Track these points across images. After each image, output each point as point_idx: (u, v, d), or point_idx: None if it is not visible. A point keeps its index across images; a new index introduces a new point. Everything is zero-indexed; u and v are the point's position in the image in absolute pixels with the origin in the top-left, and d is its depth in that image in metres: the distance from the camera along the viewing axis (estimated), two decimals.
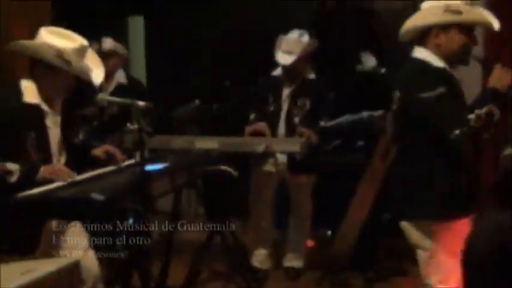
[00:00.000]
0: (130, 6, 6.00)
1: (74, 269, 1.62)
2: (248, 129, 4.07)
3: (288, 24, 4.29)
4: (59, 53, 2.69)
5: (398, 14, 2.93)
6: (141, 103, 2.59)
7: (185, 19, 5.81)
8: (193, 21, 5.76)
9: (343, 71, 4.84)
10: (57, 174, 2.63)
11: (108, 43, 4.21)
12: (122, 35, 5.97)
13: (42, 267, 1.52)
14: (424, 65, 2.60)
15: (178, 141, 3.71)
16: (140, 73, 5.98)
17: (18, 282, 1.34)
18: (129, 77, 4.49)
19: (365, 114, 4.07)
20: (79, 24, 3.00)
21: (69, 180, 2.61)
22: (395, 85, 2.71)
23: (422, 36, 2.65)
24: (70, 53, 2.72)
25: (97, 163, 3.00)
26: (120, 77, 4.37)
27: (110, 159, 2.96)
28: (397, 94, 2.67)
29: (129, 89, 4.18)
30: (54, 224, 2.82)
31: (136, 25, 6.21)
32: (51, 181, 2.64)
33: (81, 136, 3.55)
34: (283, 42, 4.04)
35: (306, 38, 4.06)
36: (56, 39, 2.74)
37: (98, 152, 2.97)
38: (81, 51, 2.79)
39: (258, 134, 4.01)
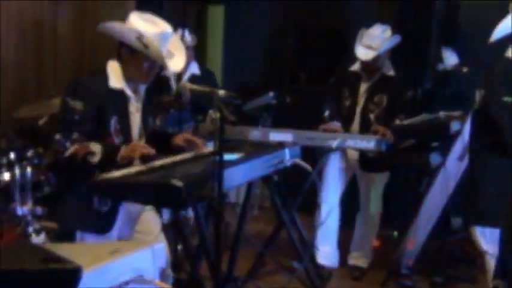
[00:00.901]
0: None
1: (159, 252, 1.63)
2: (322, 127, 4.03)
3: (371, 17, 4.21)
4: (139, 36, 2.74)
5: (485, 11, 2.80)
6: (221, 92, 2.58)
7: (264, 11, 5.81)
8: (271, 13, 5.76)
9: (423, 68, 4.71)
10: (137, 150, 2.68)
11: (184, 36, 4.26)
12: (201, 23, 6.06)
13: (126, 248, 1.54)
14: None
15: (253, 133, 3.71)
16: (217, 62, 6.05)
17: (107, 260, 1.36)
18: (202, 68, 4.56)
19: (442, 114, 3.95)
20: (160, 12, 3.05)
21: (149, 158, 2.65)
22: (480, 83, 2.61)
23: None
24: (150, 37, 2.76)
25: (173, 150, 3.04)
26: (194, 68, 4.44)
27: (189, 149, 2.98)
28: (481, 93, 2.57)
29: (202, 80, 4.22)
30: (130, 207, 2.88)
31: (216, 14, 6.26)
32: (130, 163, 2.69)
33: (158, 123, 3.61)
34: (365, 36, 3.96)
35: (388, 33, 3.97)
36: (140, 23, 2.79)
37: (179, 140, 3.01)
38: (163, 37, 2.82)
39: (332, 132, 3.96)
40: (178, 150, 2.99)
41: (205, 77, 4.43)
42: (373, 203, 4.21)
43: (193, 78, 4.29)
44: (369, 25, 4.02)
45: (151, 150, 2.69)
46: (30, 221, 3.19)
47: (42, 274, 1.04)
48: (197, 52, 4.78)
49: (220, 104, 2.47)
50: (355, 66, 4.13)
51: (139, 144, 2.76)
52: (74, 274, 1.05)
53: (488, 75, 2.62)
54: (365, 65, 4.02)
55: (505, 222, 2.38)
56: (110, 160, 2.67)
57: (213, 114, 2.45)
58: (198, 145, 3.00)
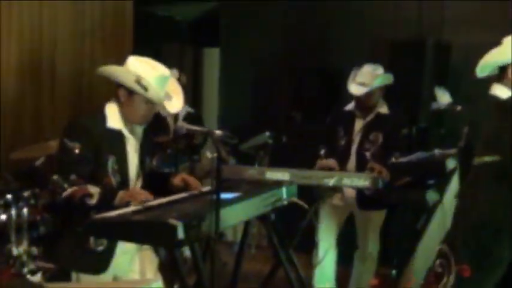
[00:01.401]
0: (207, 38, 6.16)
1: None
2: (319, 164, 4.05)
3: (363, 58, 4.28)
4: (138, 79, 2.78)
5: (476, 50, 2.85)
6: (218, 132, 2.61)
7: (258, 52, 5.90)
8: (266, 54, 5.85)
9: (417, 107, 4.76)
10: (135, 197, 2.69)
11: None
12: (197, 65, 6.15)
13: (122, 287, 1.53)
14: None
15: (249, 172, 3.73)
16: (213, 102, 6.11)
17: None
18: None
19: (437, 152, 3.97)
20: (158, 53, 3.11)
21: (147, 202, 2.66)
22: (465, 121, 2.65)
23: (502, 72, 2.58)
24: (149, 79, 2.80)
25: (171, 190, 3.05)
26: (187, 107, 4.52)
27: (186, 188, 3.00)
28: (465, 130, 2.60)
29: (196, 117, 4.27)
30: (126, 246, 2.87)
31: (212, 56, 6.36)
32: (127, 205, 2.70)
33: (154, 163, 3.62)
34: (358, 74, 4.03)
35: (380, 71, 4.04)
36: (139, 66, 2.84)
37: (177, 180, 3.02)
38: (161, 80, 2.87)
39: (327, 169, 3.98)
40: (176, 190, 3.00)
41: (199, 114, 4.50)
42: (371, 242, 4.20)
43: (189, 116, 4.33)
44: (361, 65, 4.09)
45: (149, 197, 2.70)
46: (25, 261, 3.18)
47: None
48: (194, 93, 4.85)
49: (217, 143, 2.49)
50: (350, 106, 4.18)
51: (138, 191, 2.77)
52: None
53: (472, 112, 2.66)
54: (359, 102, 4.07)
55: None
56: (107, 202, 2.67)
57: (209, 153, 2.48)
58: (194, 187, 3.01)
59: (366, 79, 3.98)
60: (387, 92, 4.12)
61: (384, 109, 4.12)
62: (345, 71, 4.26)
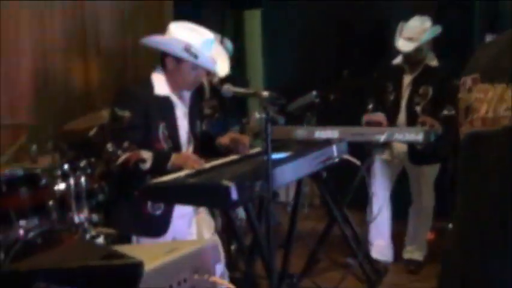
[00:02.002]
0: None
1: (214, 250, 1.65)
2: (365, 118, 4.00)
3: (410, 10, 4.16)
4: (187, 47, 2.79)
5: None
6: (265, 93, 2.60)
7: (303, 10, 5.81)
8: (310, 11, 5.75)
9: (467, 57, 4.62)
10: (187, 162, 2.72)
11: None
12: (239, 29, 6.10)
13: (182, 246, 1.57)
14: None
15: (298, 132, 3.72)
16: (257, 66, 6.08)
17: (165, 259, 1.39)
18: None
19: None
20: (199, 18, 3.10)
21: (198, 167, 2.70)
22: None
23: None
24: (197, 46, 2.80)
25: (220, 153, 3.07)
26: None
27: (234, 147, 3.00)
28: None
29: (238, 81, 4.25)
30: (183, 210, 2.93)
31: (254, 18, 6.30)
32: (180, 169, 2.74)
33: (204, 127, 3.65)
34: (404, 28, 3.93)
35: (427, 24, 3.92)
36: (183, 33, 2.84)
37: (225, 139, 3.04)
38: (207, 45, 2.87)
39: (375, 123, 3.93)
40: (224, 150, 3.02)
41: (239, 77, 4.47)
42: (425, 196, 4.16)
43: (228, 79, 4.32)
44: (407, 18, 3.98)
45: (201, 162, 2.73)
46: (87, 228, 3.27)
47: (105, 270, 1.08)
48: (237, 57, 4.81)
49: (266, 104, 2.48)
50: (398, 60, 4.10)
51: (191, 157, 2.79)
52: (136, 269, 1.08)
53: None
54: (407, 57, 3.98)
55: None
56: (160, 167, 2.72)
57: (258, 115, 2.47)
58: (244, 142, 3.01)
59: (413, 34, 3.87)
60: (436, 43, 4.01)
61: (433, 61, 4.02)
62: (392, 24, 4.15)
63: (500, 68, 1.51)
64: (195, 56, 2.79)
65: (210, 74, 3.73)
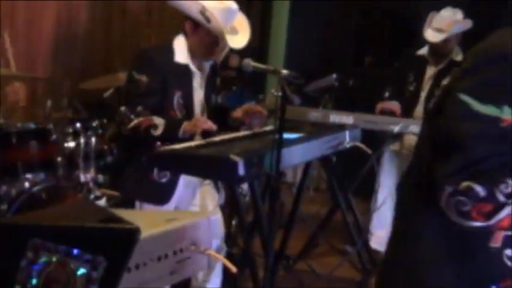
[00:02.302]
0: None
1: (214, 223, 1.64)
2: (380, 105, 3.97)
3: (440, 1, 4.08)
4: (202, 10, 2.74)
5: None
6: (285, 71, 2.57)
7: None
8: None
9: None
10: (198, 125, 2.70)
11: None
12: (266, 7, 6.03)
13: (183, 217, 1.56)
14: None
15: (313, 114, 3.70)
16: (281, 46, 6.02)
17: (164, 227, 1.39)
18: None
19: None
20: None
21: (210, 131, 2.68)
22: None
23: None
24: (213, 11, 2.76)
25: (232, 124, 3.05)
26: None
27: (249, 120, 2.98)
28: None
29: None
30: (190, 180, 2.93)
31: None
32: (191, 138, 2.73)
33: (219, 99, 3.63)
34: (435, 18, 3.86)
35: (459, 16, 3.85)
36: None
37: (238, 112, 3.00)
38: (227, 13, 2.82)
39: (389, 112, 3.90)
40: (237, 124, 2.99)
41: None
42: None
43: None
44: (439, 8, 3.90)
45: (212, 126, 2.71)
46: (92, 188, 3.30)
47: (101, 232, 1.08)
48: (261, 34, 4.76)
49: (283, 82, 2.45)
50: (423, 50, 4.04)
51: (201, 120, 2.77)
52: (132, 234, 1.08)
53: None
54: (434, 48, 3.92)
55: None
56: (171, 133, 2.70)
57: (275, 92, 2.45)
58: (260, 112, 2.96)
59: (443, 25, 3.80)
60: (463, 37, 3.94)
61: (458, 56, 3.95)
62: (421, 14, 4.08)
63: None
64: (208, 20, 2.75)
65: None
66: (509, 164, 1.38)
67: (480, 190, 1.35)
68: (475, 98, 1.39)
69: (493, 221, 1.38)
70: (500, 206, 1.37)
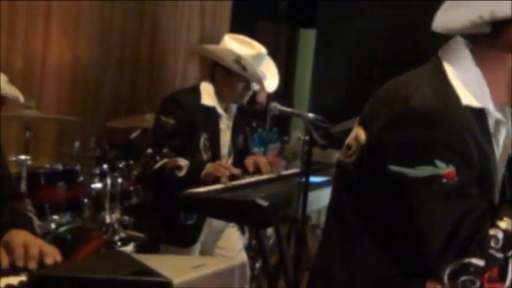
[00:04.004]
0: (304, 18, 6.11)
1: (241, 270, 1.63)
2: None
3: None
4: (237, 58, 2.78)
5: None
6: (311, 115, 2.59)
7: (354, 38, 5.79)
8: (361, 40, 5.73)
9: None
10: (218, 168, 2.71)
11: None
12: (292, 45, 6.10)
13: (210, 263, 1.55)
14: None
15: (338, 155, 3.67)
16: (305, 84, 6.06)
17: (192, 275, 1.37)
18: None
19: None
20: (253, 32, 3.10)
21: (232, 176, 2.68)
22: None
23: None
24: (247, 59, 2.80)
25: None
26: None
27: (258, 171, 2.94)
28: None
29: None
30: (214, 222, 2.92)
31: (307, 37, 6.31)
32: (215, 181, 2.73)
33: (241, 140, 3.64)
34: None
35: None
36: (236, 45, 2.85)
37: (248, 162, 2.98)
38: (258, 59, 2.87)
39: None
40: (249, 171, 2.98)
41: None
42: None
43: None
44: None
45: (234, 171, 2.71)
46: (117, 229, 3.31)
47: (134, 285, 1.08)
48: (287, 73, 4.80)
49: (309, 126, 2.46)
50: None
51: (223, 164, 2.77)
52: (165, 287, 1.07)
53: None
54: None
55: None
56: (194, 175, 2.71)
57: (299, 135, 2.45)
58: (265, 171, 2.92)
59: None
60: None
61: None
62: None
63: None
64: (244, 68, 2.79)
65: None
66: (481, 216, 1.30)
67: (478, 261, 1.28)
68: (404, 166, 1.30)
69: (508, 282, 1.31)
70: (505, 264, 1.30)
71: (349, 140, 1.50)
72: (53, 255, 1.48)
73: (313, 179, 2.66)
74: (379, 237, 1.41)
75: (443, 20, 1.46)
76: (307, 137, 2.42)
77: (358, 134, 1.45)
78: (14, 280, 1.36)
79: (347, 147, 1.50)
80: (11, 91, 3.15)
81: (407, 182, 1.28)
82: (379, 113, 1.42)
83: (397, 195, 1.31)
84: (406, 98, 1.36)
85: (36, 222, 1.81)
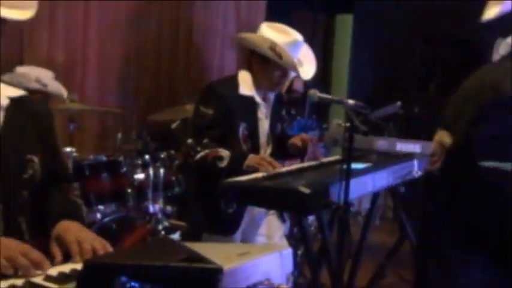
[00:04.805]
0: (340, 4, 6.07)
1: (286, 256, 1.64)
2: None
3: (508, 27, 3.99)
4: (272, 46, 2.79)
5: None
6: (351, 101, 2.57)
7: (392, 19, 5.72)
8: (400, 22, 5.66)
9: None
10: (261, 163, 2.72)
11: None
12: (329, 32, 6.07)
13: (255, 251, 1.56)
14: None
15: (380, 142, 3.64)
16: (343, 71, 6.02)
17: (239, 262, 1.39)
18: None
19: None
20: (290, 21, 3.09)
21: (275, 170, 2.69)
22: None
23: None
24: (283, 46, 2.80)
25: (290, 154, 3.07)
26: None
27: (303, 150, 2.97)
28: None
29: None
30: (254, 211, 2.94)
31: (345, 24, 6.26)
32: (256, 170, 2.74)
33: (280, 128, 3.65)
34: (502, 45, 3.76)
35: None
36: (272, 32, 2.85)
37: (296, 139, 3.01)
38: (294, 46, 2.86)
39: None
40: (294, 152, 2.99)
41: None
42: None
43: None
44: (505, 34, 3.80)
45: (276, 165, 2.72)
46: (160, 218, 3.36)
47: (186, 271, 1.10)
48: (324, 60, 4.78)
49: (350, 113, 2.45)
50: None
51: (266, 159, 2.77)
52: (215, 273, 1.09)
53: None
54: None
55: None
56: (236, 166, 2.73)
57: (339, 122, 2.44)
58: (311, 143, 2.98)
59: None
60: None
61: None
62: (486, 41, 3.99)
63: None
64: (280, 56, 2.78)
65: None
66: None
67: None
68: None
69: None
70: None
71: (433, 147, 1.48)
72: (104, 249, 1.54)
73: (355, 165, 2.65)
74: None
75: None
76: (348, 124, 2.40)
77: (442, 138, 1.42)
78: (65, 268, 1.40)
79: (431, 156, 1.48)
80: (56, 88, 3.24)
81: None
82: (464, 109, 1.39)
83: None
84: (496, 84, 1.34)
85: (84, 209, 1.86)
